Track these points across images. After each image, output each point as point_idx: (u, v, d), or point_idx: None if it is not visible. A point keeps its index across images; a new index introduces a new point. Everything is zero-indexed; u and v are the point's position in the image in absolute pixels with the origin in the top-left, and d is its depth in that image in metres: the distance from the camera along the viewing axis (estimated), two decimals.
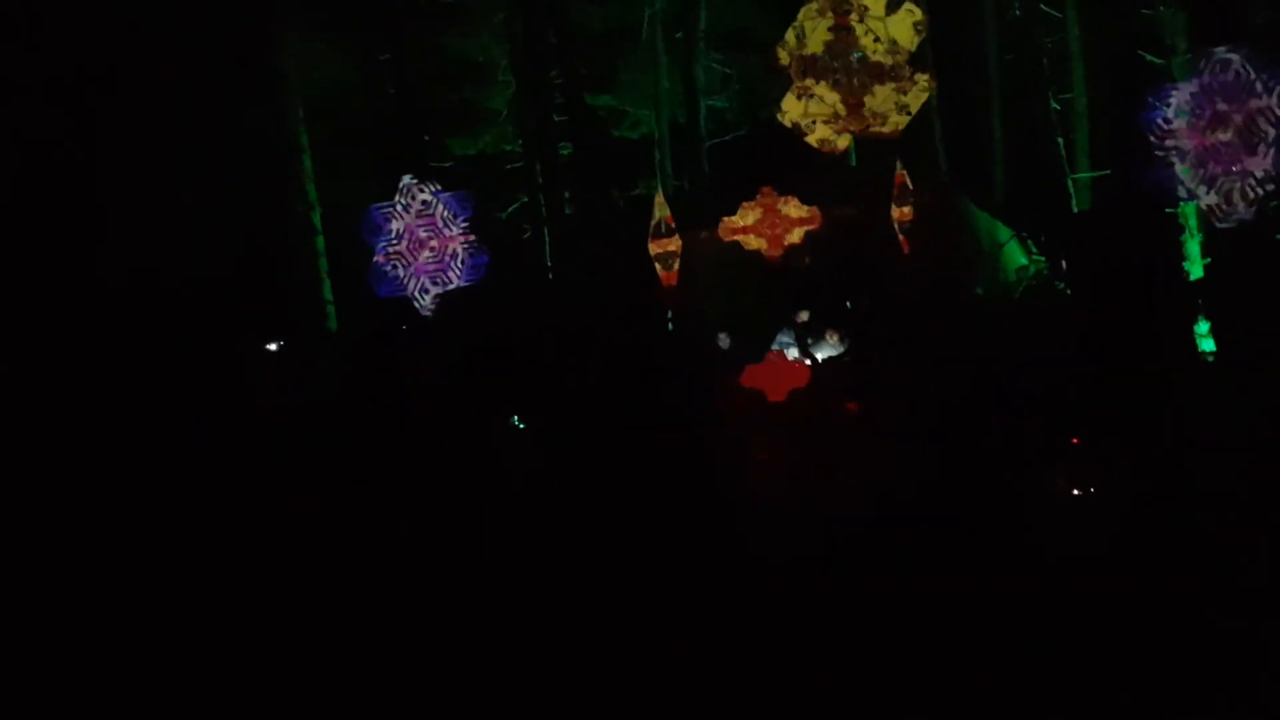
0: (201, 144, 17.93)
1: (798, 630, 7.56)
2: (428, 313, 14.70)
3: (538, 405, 12.94)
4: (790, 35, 15.30)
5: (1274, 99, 11.93)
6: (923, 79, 14.95)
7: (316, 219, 18.96)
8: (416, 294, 14.73)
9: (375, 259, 14.91)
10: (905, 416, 10.61)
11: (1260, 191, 11.96)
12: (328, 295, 18.82)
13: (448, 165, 19.73)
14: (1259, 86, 11.94)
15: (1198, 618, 7.22)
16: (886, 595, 7.80)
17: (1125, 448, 9.47)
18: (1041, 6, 19.13)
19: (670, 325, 15.38)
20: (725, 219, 14.88)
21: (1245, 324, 12.65)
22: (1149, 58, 16.00)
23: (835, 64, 15.11)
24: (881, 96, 14.94)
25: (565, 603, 8.39)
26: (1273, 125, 11.92)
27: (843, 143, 15.45)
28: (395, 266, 14.81)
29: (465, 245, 14.53)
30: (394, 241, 14.78)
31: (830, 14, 15.10)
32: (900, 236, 14.06)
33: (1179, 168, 12.02)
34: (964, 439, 10.02)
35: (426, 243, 14.65)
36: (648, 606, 8.20)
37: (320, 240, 19.07)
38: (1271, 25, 15.13)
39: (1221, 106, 12.02)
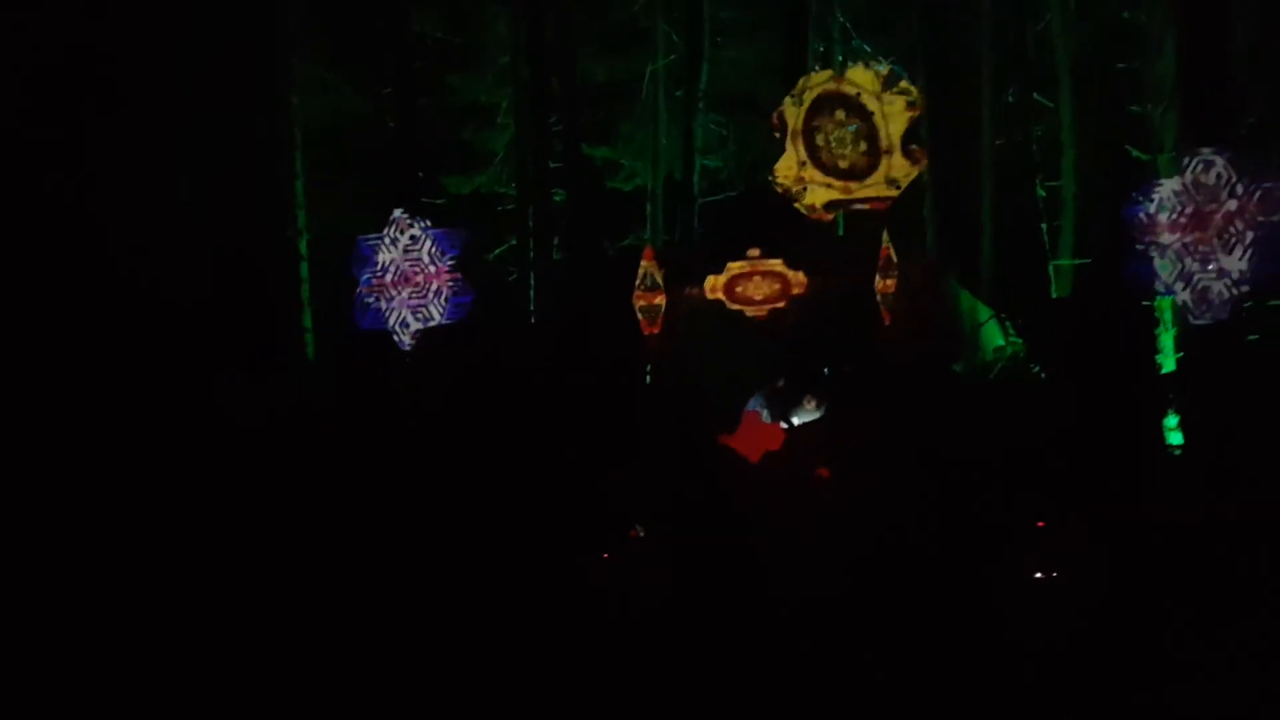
0: (196, 162, 18.02)
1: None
2: (406, 348, 14.72)
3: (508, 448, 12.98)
4: (788, 103, 15.55)
5: (1253, 203, 12.19)
6: (914, 156, 15.19)
7: (303, 245, 19.03)
8: (397, 328, 14.77)
9: (359, 290, 14.97)
10: (876, 488, 10.69)
11: (1235, 292, 12.18)
12: (307, 323, 18.84)
13: (440, 202, 19.86)
14: (1240, 189, 12.21)
15: (1158, 703, 7.30)
16: (847, 672, 7.85)
17: (1091, 534, 9.58)
18: (1035, 95, 19.53)
19: (649, 379, 15.45)
20: (711, 277, 15.00)
21: (1213, 420, 12.85)
22: (1136, 153, 16.32)
23: (830, 134, 15.36)
24: (872, 169, 15.18)
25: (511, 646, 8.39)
26: (1251, 228, 12.17)
27: (832, 211, 15.66)
28: (378, 299, 14.86)
29: (450, 283, 14.60)
30: (379, 274, 14.85)
31: (827, 85, 15.38)
32: (882, 308, 14.21)
33: (1157, 262, 12.23)
34: (934, 515, 10.10)
35: (411, 278, 14.72)
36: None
37: (305, 267, 19.13)
38: (1256, 131, 15.48)
39: (1202, 206, 12.28)
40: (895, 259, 14.39)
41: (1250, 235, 12.14)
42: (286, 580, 10.07)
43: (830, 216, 15.96)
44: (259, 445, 14.44)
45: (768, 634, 8.51)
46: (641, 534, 9.67)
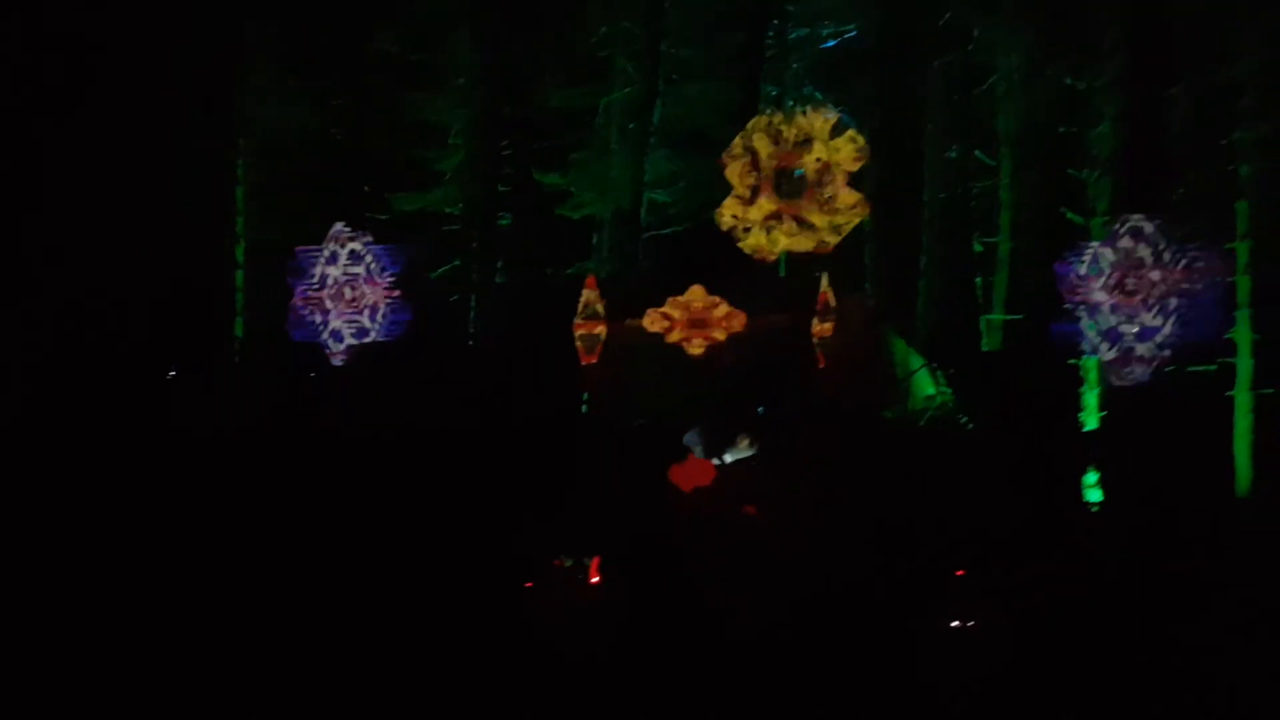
0: (138, 164, 17.77)
1: None
2: (338, 361, 14.59)
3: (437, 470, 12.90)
4: (738, 143, 15.81)
5: (1180, 270, 12.61)
6: (858, 203, 15.52)
7: (240, 253, 18.81)
8: (329, 341, 14.63)
9: (294, 301, 14.81)
10: (804, 529, 10.79)
11: (1158, 355, 12.56)
12: (239, 332, 18.61)
13: (384, 218, 19.76)
14: (1168, 256, 12.63)
15: None
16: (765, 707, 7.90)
17: (1009, 585, 9.75)
18: (977, 153, 20.00)
19: (585, 408, 15.49)
20: (652, 310, 15.12)
21: (1132, 480, 13.18)
22: (1071, 215, 16.76)
23: (777, 177, 15.63)
24: (817, 214, 15.47)
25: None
26: (1176, 294, 12.59)
27: (774, 253, 15.90)
28: (313, 311, 14.72)
29: (387, 300, 14.52)
30: (315, 286, 14.71)
31: (777, 129, 15.67)
32: (818, 351, 14.41)
33: (1085, 322, 12.58)
34: (858, 558, 10.22)
35: (348, 292, 14.60)
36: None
37: (240, 275, 18.90)
38: (1186, 201, 15.99)
39: (1131, 270, 12.68)
40: (834, 303, 14.66)
41: (1175, 301, 12.55)
42: (196, 594, 9.91)
43: (772, 258, 16.25)
44: (182, 452, 14.21)
45: (694, 665, 8.54)
46: (567, 564, 9.65)
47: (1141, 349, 12.46)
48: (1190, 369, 13.79)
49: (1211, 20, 15.90)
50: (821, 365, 14.32)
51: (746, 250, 15.76)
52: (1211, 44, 16.01)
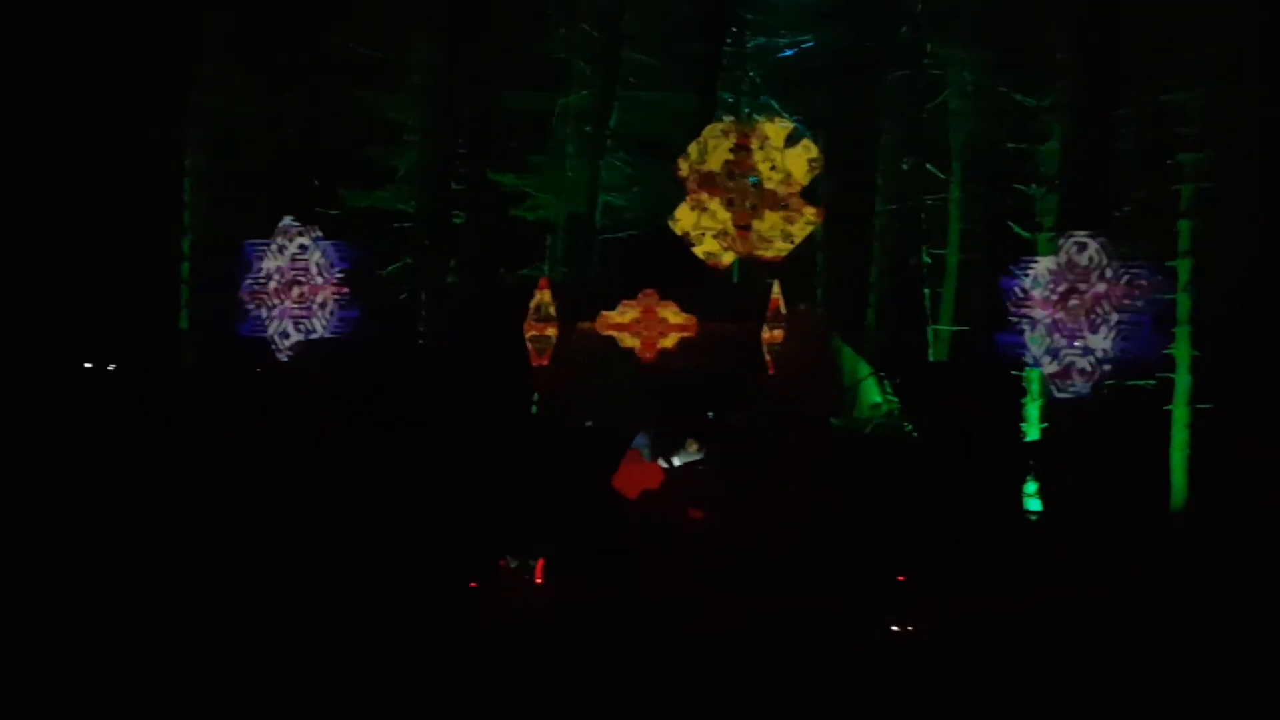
0: (81, 152, 17.49)
1: None
2: (284, 357, 14.42)
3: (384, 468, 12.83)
4: (693, 149, 15.91)
5: (1121, 286, 12.87)
6: (810, 212, 15.67)
7: (186, 245, 18.56)
8: (276, 336, 14.46)
9: (239, 295, 14.63)
10: (750, 533, 10.87)
11: (1098, 370, 12.80)
12: (184, 324, 18.35)
13: (334, 213, 19.60)
14: (1110, 273, 12.88)
15: None
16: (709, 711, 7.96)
17: (947, 590, 9.90)
18: (928, 166, 20.24)
19: (535, 409, 15.47)
20: (605, 313, 15.16)
21: (1071, 490, 13.42)
22: (1018, 229, 17.03)
23: (731, 184, 15.74)
24: (769, 222, 15.60)
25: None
26: (1117, 310, 12.84)
27: (727, 259, 16.01)
28: (259, 306, 14.55)
29: (336, 296, 14.38)
30: (262, 280, 14.54)
31: (733, 136, 15.78)
32: (768, 357, 14.52)
33: (1029, 335, 12.79)
34: (803, 562, 10.31)
35: (295, 287, 14.44)
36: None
37: (186, 267, 18.64)
38: (1129, 220, 16.30)
39: (1074, 285, 12.90)
40: (784, 310, 14.79)
41: (1116, 317, 12.80)
42: (137, 587, 9.78)
43: (725, 264, 16.36)
44: (121, 448, 14.01)
45: (637, 665, 8.58)
46: (513, 564, 9.66)
47: (1082, 362, 12.69)
48: (1129, 383, 14.06)
49: (1157, 48, 16.26)
50: (771, 372, 14.42)
51: (700, 256, 15.86)
52: (1157, 70, 16.37)
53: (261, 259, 14.52)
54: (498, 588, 9.56)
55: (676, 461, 13.10)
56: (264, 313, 14.46)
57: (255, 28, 19.66)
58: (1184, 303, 14.83)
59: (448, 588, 9.64)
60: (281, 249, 14.48)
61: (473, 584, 9.91)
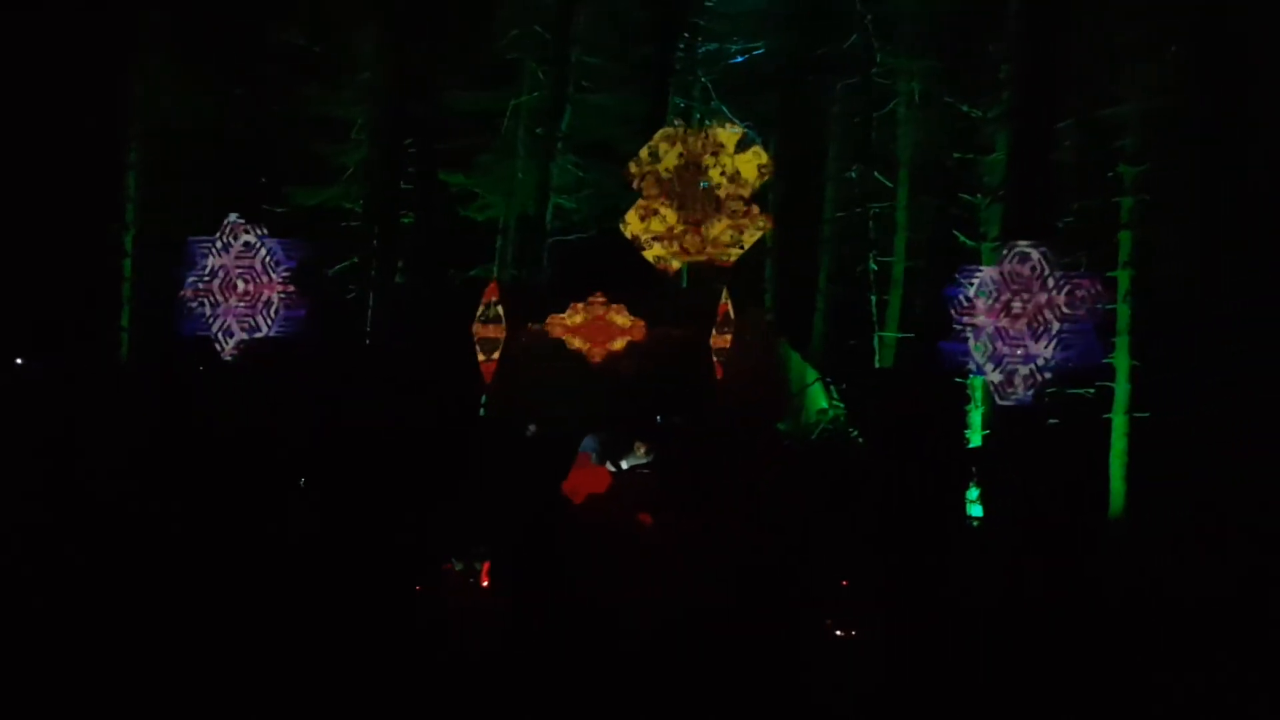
0: (20, 145, 17.13)
1: None
2: (229, 357, 14.19)
3: (330, 469, 12.69)
4: (644, 153, 15.93)
5: (1063, 296, 13.07)
6: (760, 218, 15.77)
7: (128, 241, 18.24)
8: (220, 335, 14.22)
9: (183, 293, 14.37)
10: (697, 537, 10.89)
11: (1040, 378, 13.00)
12: (124, 322, 18.02)
13: (281, 211, 19.36)
14: (1051, 282, 13.08)
15: None
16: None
17: (890, 595, 9.98)
18: (876, 174, 20.47)
19: (483, 410, 15.39)
20: (554, 316, 15.12)
21: (1011, 496, 13.62)
22: (963, 238, 17.27)
23: (681, 188, 15.78)
24: (719, 227, 15.66)
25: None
26: (1059, 319, 13.03)
27: (676, 263, 16.05)
28: (203, 304, 14.31)
29: (282, 295, 14.17)
30: (206, 278, 14.29)
31: (684, 142, 15.83)
32: (716, 362, 14.57)
33: (972, 343, 12.94)
34: (748, 567, 10.34)
35: (240, 286, 14.22)
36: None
37: (128, 264, 18.32)
38: (1071, 230, 16.59)
39: (1017, 294, 13.08)
40: (733, 315, 14.85)
41: (1058, 326, 13.00)
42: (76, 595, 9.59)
43: (675, 268, 16.40)
44: (54, 447, 13.72)
45: (584, 672, 8.55)
46: (458, 567, 9.59)
47: (1024, 370, 12.86)
48: (1070, 391, 14.29)
49: (1097, 61, 16.58)
50: (719, 376, 14.48)
51: (649, 260, 15.88)
52: (1097, 83, 16.68)
53: (206, 256, 14.26)
54: (442, 591, 9.49)
55: (624, 465, 13.09)
56: (208, 311, 14.21)
57: (197, 20, 19.37)
58: (1124, 313, 15.12)
59: (392, 590, 9.55)
60: (226, 246, 14.23)
61: (417, 587, 9.82)
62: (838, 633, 9.49)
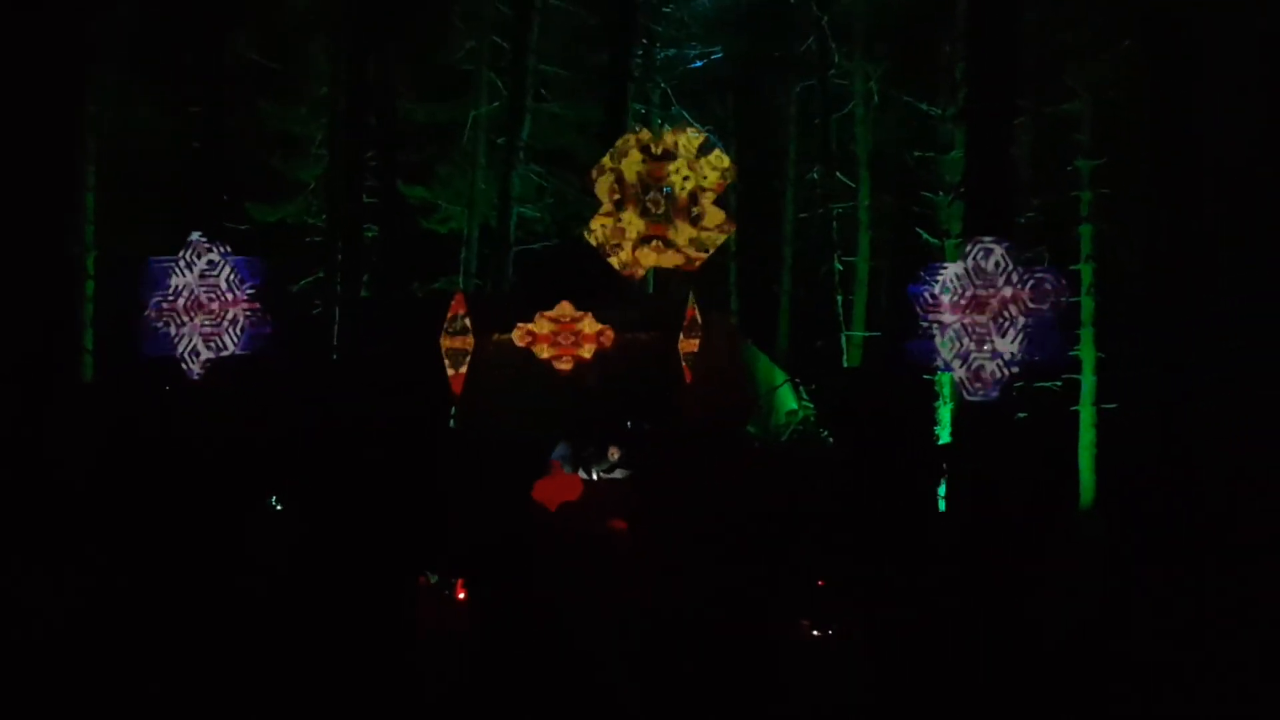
0: None
1: None
2: (195, 376, 14.04)
3: (301, 486, 12.57)
4: (606, 160, 15.92)
5: (1027, 290, 13.17)
6: (723, 222, 15.79)
7: (90, 262, 18.00)
8: (186, 355, 14.08)
9: (147, 313, 14.20)
10: (670, 542, 10.87)
11: (1006, 372, 13.09)
12: (88, 344, 17.77)
13: (243, 228, 19.18)
14: (1015, 277, 13.18)
15: None
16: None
17: (864, 593, 10.00)
18: (837, 174, 20.58)
19: (452, 422, 15.29)
20: (520, 325, 15.07)
21: (982, 491, 13.69)
22: (926, 236, 17.38)
23: (644, 194, 15.78)
24: (683, 232, 15.68)
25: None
26: (1024, 314, 13.13)
27: (642, 269, 16.04)
28: (168, 324, 14.16)
29: (247, 313, 14.05)
30: (170, 298, 14.14)
31: (646, 147, 15.84)
32: (684, 366, 14.58)
33: (939, 340, 13.00)
34: (722, 570, 10.33)
35: (206, 304, 14.09)
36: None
37: (90, 285, 18.07)
38: (1033, 225, 16.74)
39: (981, 290, 13.16)
40: (700, 319, 14.87)
41: (1023, 320, 13.09)
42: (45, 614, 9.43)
43: (641, 274, 16.40)
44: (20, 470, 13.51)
45: (558, 681, 8.50)
46: (433, 580, 9.51)
47: (991, 366, 12.94)
48: (1037, 385, 14.38)
49: (1049, 60, 16.76)
50: (688, 380, 14.48)
51: (615, 266, 15.87)
52: (1051, 80, 16.86)
53: (169, 276, 14.12)
54: (418, 605, 9.40)
55: (596, 473, 13.06)
56: (173, 330, 14.07)
57: (151, 38, 19.16)
58: (1087, 305, 15.26)
59: (368, 604, 9.46)
60: (190, 265, 14.09)
61: (394, 599, 9.71)
62: (814, 633, 9.50)
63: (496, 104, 20.85)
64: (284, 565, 10.62)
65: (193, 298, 14.06)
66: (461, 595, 9.47)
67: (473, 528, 11.15)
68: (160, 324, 14.13)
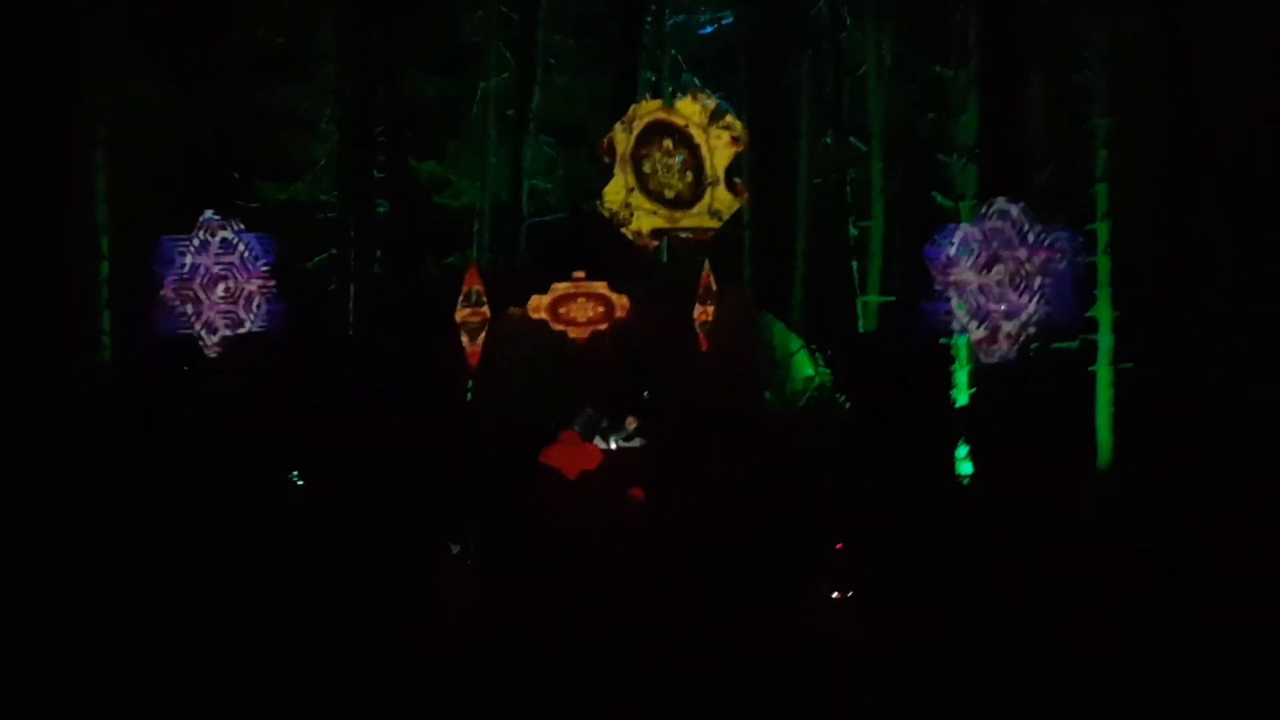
0: None
1: None
2: (213, 354, 14.18)
3: (320, 463, 12.65)
4: (617, 129, 15.85)
5: (1044, 251, 13.11)
6: (736, 189, 15.72)
7: (104, 244, 18.07)
8: (203, 333, 14.20)
9: (163, 292, 14.32)
10: (688, 509, 10.91)
11: (1024, 333, 13.04)
12: (105, 325, 17.87)
13: (254, 206, 19.20)
14: (1032, 238, 13.12)
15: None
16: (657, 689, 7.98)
17: (884, 556, 10.03)
18: (850, 139, 20.42)
19: (469, 395, 15.34)
20: (535, 297, 15.08)
21: (1000, 452, 13.67)
22: (940, 199, 17.24)
23: (657, 164, 15.72)
24: (696, 200, 15.61)
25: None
26: (1041, 274, 13.08)
27: (655, 239, 16.00)
28: (184, 303, 14.27)
29: (262, 290, 14.16)
30: (185, 276, 14.25)
31: (657, 116, 15.76)
32: (700, 335, 14.58)
33: (955, 302, 12.98)
34: (741, 538, 10.38)
35: (221, 282, 14.20)
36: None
37: (105, 266, 18.16)
38: (1049, 185, 16.60)
39: (998, 251, 13.12)
40: (715, 288, 14.84)
41: (1040, 281, 13.04)
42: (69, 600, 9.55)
43: (655, 244, 16.35)
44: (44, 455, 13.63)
45: (578, 651, 8.57)
46: (455, 551, 9.58)
47: (1008, 327, 12.90)
48: (1054, 346, 14.33)
49: (1062, 16, 16.56)
50: (704, 348, 14.49)
51: (628, 237, 15.83)
52: (1064, 37, 16.66)
53: (184, 255, 14.25)
54: (444, 575, 9.47)
55: (614, 442, 13.11)
56: (189, 309, 14.20)
57: (155, 19, 19.11)
58: (1104, 264, 15.11)
59: (393, 578, 9.53)
60: (204, 244, 14.22)
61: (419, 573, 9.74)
62: (834, 596, 9.53)
63: (506, 75, 20.75)
64: (305, 541, 10.70)
65: (208, 276, 14.18)
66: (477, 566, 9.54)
67: (491, 499, 11.21)
68: (177, 303, 14.25)
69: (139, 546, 10.77)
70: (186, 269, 14.19)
